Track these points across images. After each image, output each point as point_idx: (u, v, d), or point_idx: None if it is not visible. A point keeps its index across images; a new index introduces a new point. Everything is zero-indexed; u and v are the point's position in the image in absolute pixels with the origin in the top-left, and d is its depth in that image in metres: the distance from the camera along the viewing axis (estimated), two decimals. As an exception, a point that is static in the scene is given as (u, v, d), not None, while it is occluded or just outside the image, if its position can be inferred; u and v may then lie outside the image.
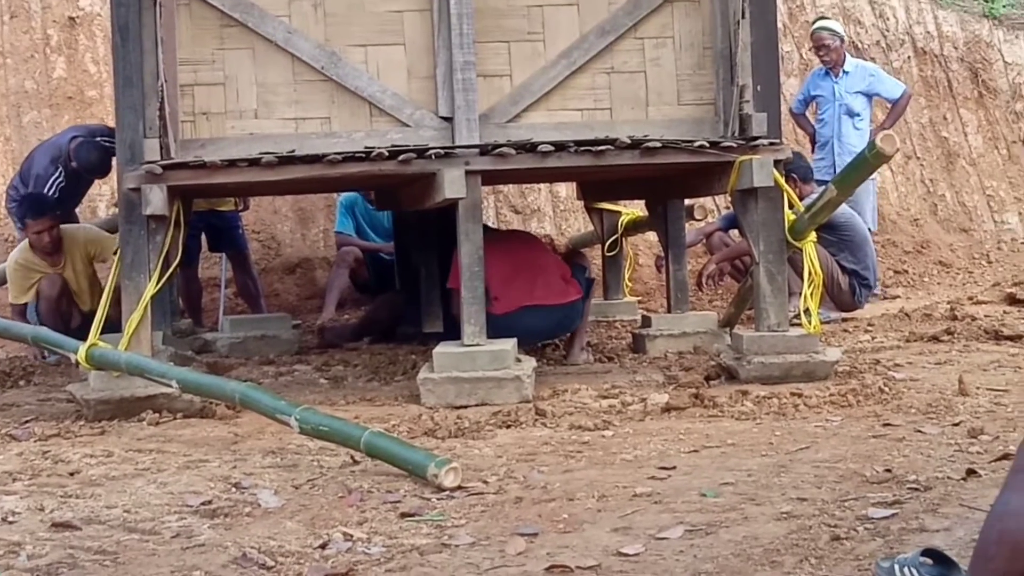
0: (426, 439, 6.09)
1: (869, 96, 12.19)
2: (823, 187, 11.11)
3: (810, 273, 7.70)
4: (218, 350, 9.72)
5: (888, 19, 15.16)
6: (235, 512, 4.78)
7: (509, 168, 7.44)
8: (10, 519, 4.69)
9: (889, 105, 12.44)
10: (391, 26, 7.60)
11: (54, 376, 8.79)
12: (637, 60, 7.77)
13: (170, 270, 7.43)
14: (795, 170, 10.43)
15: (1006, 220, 14.53)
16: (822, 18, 13.12)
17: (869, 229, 11.59)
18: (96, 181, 10.96)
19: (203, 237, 10.99)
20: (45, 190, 9.96)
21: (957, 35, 15.14)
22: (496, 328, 7.94)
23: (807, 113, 12.60)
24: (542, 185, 13.16)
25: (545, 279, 8.45)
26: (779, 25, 9.13)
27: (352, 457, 5.54)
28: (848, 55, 12.39)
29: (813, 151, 12.35)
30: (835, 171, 11.30)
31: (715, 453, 5.57)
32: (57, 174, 9.99)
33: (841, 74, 12.07)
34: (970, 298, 11.35)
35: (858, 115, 12.07)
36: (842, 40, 12.17)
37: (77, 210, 10.91)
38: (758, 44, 7.61)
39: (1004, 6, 15.41)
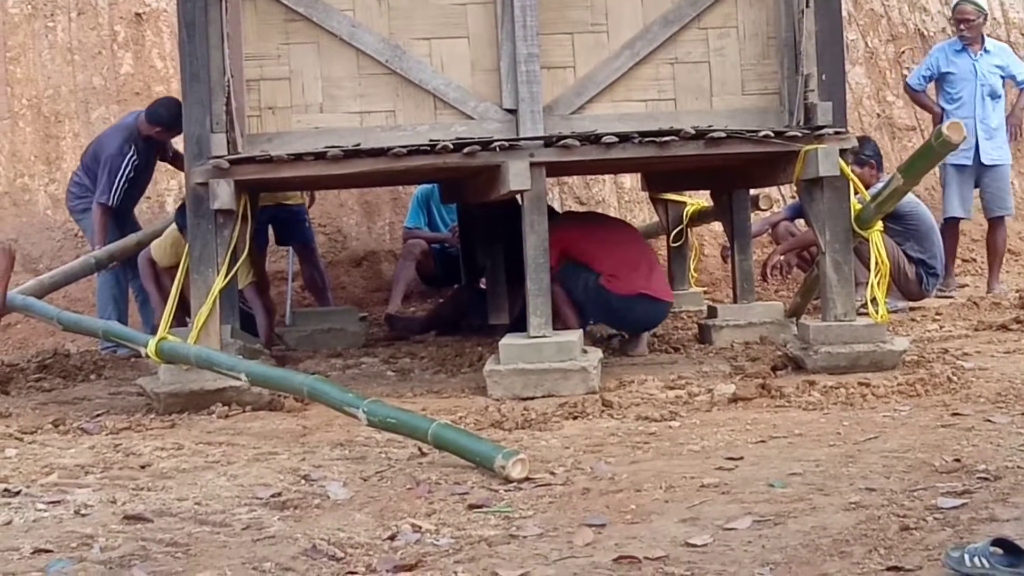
0: (493, 431, 6.11)
1: (1003, 77, 11.69)
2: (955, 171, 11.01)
3: (876, 262, 7.66)
4: (286, 343, 9.78)
5: (955, 6, 15.03)
6: (304, 504, 4.82)
7: (574, 160, 7.44)
8: (83, 512, 4.74)
9: (1017, 89, 11.83)
10: (455, 19, 7.62)
11: (124, 370, 8.87)
12: (701, 50, 7.76)
13: (238, 263, 7.47)
14: (874, 156, 10.38)
15: (1076, 207, 14.35)
16: None
17: (1000, 216, 11.54)
18: (157, 172, 10.94)
19: (270, 231, 11.04)
20: (121, 170, 9.99)
21: (1024, 21, 15.00)
22: (610, 307, 8.07)
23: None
24: (606, 176, 13.13)
25: (658, 274, 8.73)
26: (844, 13, 9.08)
27: (420, 449, 5.57)
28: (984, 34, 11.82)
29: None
30: (978, 156, 11.23)
31: (782, 443, 5.56)
32: (131, 152, 10.03)
33: (982, 52, 11.52)
34: (1039, 286, 11.28)
35: (999, 96, 11.56)
36: (985, 16, 11.70)
37: (146, 207, 10.97)
38: (823, 33, 7.57)
39: (1072, -10, 15.24)
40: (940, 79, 11.64)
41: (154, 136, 10.04)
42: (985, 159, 11.28)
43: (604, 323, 8.25)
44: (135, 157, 10.01)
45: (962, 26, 11.48)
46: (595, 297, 8.21)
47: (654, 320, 8.73)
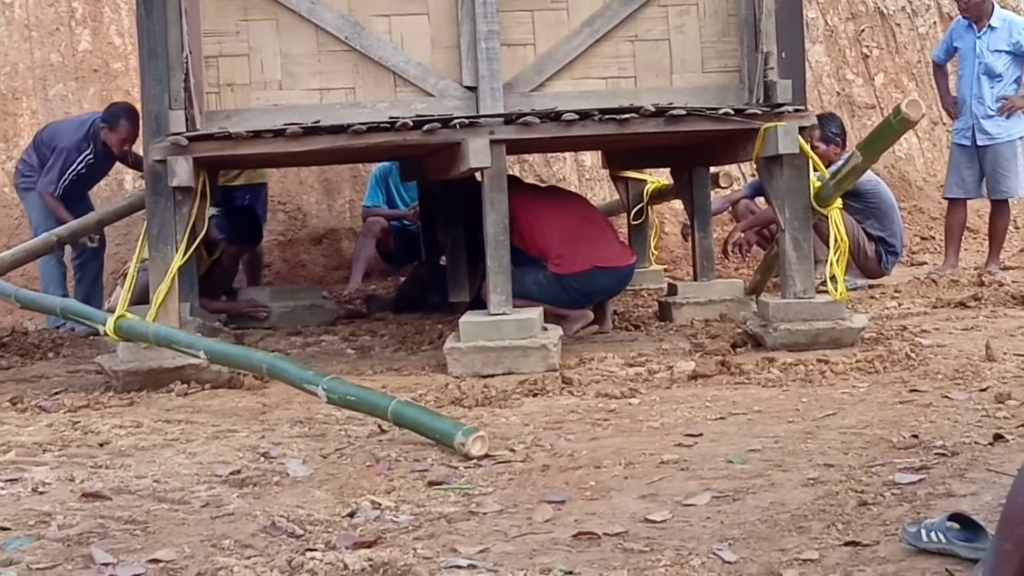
0: (453, 408, 6.10)
1: (1017, 55, 10.86)
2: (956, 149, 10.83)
3: (836, 240, 7.68)
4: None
5: (914, -16, 15.09)
6: (264, 481, 4.80)
7: (534, 137, 7.43)
8: (40, 489, 4.72)
9: None
10: (415, -5, 7.61)
11: (83, 348, 8.83)
12: (661, 28, 7.75)
13: (196, 241, 7.44)
14: (840, 134, 10.41)
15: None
16: None
17: (1000, 199, 10.98)
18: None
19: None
20: (74, 165, 9.98)
21: (983, -1, 15.02)
22: (569, 289, 8.08)
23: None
24: (567, 154, 13.15)
25: (607, 239, 8.62)
26: (804, -9, 9.08)
27: (380, 426, 5.57)
28: (997, 7, 11.03)
29: (947, 110, 11.46)
30: (973, 135, 10.80)
31: (742, 420, 5.58)
32: (88, 151, 10.02)
33: (985, 29, 10.77)
34: (997, 264, 11.31)
35: (999, 76, 10.77)
36: None
37: (104, 184, 10.91)
38: (782, 11, 7.58)
39: (1032, -31, 15.26)
40: (956, 53, 11.18)
41: (104, 138, 10.00)
42: (980, 140, 10.82)
43: (569, 306, 8.23)
44: (91, 156, 10.02)
45: (961, 3, 10.97)
46: (551, 287, 8.17)
47: (615, 288, 8.73)
